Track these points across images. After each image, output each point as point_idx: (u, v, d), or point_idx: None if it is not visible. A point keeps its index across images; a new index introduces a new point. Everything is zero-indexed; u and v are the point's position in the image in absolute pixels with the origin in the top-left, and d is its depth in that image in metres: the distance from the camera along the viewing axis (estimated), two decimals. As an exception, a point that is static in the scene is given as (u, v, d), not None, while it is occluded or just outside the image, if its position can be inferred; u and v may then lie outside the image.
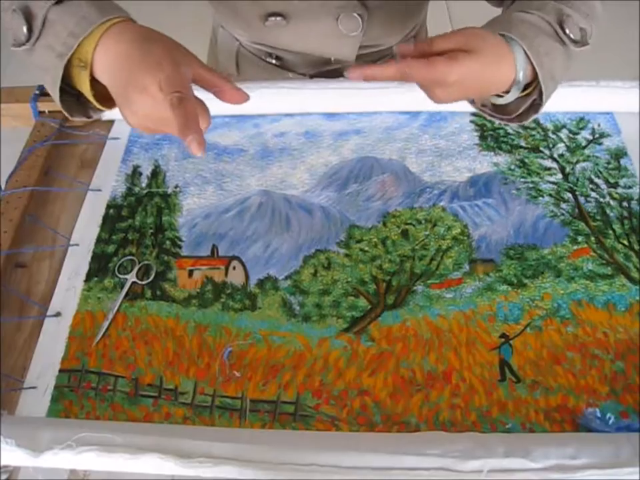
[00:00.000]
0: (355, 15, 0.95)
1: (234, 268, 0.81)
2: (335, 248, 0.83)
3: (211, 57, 1.26)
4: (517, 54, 0.68)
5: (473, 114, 0.95)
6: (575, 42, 0.72)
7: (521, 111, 0.75)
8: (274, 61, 1.09)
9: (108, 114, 0.96)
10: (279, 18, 0.96)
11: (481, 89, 0.70)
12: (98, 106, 0.71)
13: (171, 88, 0.63)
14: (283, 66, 1.10)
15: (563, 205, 0.85)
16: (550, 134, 0.92)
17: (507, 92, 0.72)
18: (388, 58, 1.12)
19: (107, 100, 0.69)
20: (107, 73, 0.67)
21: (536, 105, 0.74)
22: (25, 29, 0.68)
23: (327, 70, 1.08)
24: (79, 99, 0.72)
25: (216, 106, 0.97)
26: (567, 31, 0.72)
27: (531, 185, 0.87)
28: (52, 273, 0.81)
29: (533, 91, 0.72)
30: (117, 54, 0.66)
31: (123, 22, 0.68)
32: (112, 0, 0.72)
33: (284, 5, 0.96)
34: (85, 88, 0.68)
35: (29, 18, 0.68)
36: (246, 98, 0.71)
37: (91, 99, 0.69)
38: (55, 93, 0.68)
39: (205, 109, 0.68)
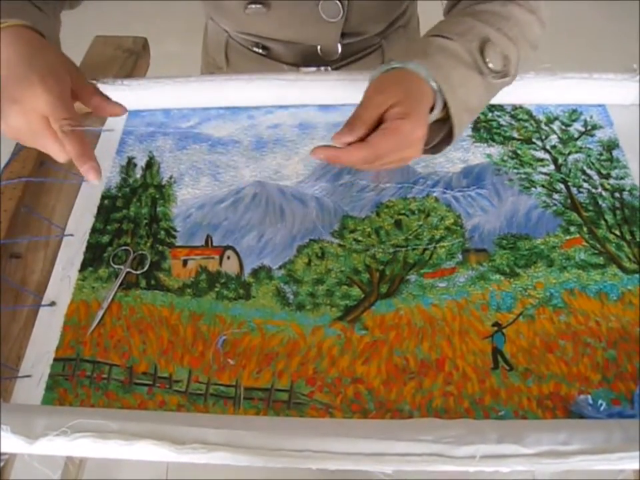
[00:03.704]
0: (336, 0, 0.96)
1: (228, 257, 0.82)
2: (328, 238, 0.83)
3: (204, 50, 1.26)
4: (433, 85, 0.69)
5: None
6: (494, 72, 0.72)
7: (435, 142, 0.75)
8: (261, 51, 1.09)
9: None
10: (259, 5, 0.96)
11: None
12: None
13: (60, 114, 0.64)
14: (269, 56, 1.10)
15: (556, 196, 0.85)
16: (542, 126, 0.93)
17: None
18: (375, 48, 1.13)
19: None
20: None
21: (448, 137, 0.74)
22: None
23: (314, 59, 1.08)
24: None
25: (211, 98, 0.98)
26: (487, 61, 0.72)
27: (523, 176, 0.88)
28: (47, 263, 0.81)
29: (447, 121, 0.72)
30: (7, 52, 0.67)
31: (16, 27, 0.69)
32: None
33: None
34: None
35: None
36: (124, 110, 0.73)
37: None
38: None
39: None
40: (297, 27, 1.03)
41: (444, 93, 0.69)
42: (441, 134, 0.74)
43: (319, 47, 1.07)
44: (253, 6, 0.98)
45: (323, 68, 1.08)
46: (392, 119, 0.66)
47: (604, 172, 0.87)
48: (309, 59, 1.09)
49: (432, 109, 0.70)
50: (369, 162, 0.67)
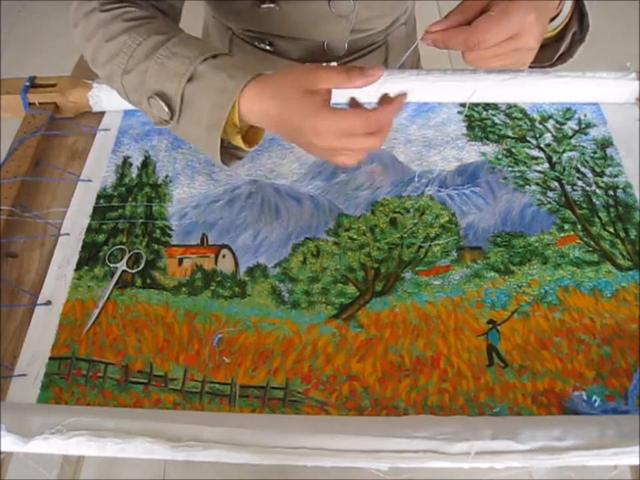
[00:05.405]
0: None
1: (224, 256, 0.82)
2: (324, 236, 0.83)
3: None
4: None
5: (461, 104, 0.96)
6: None
7: (563, 49, 0.77)
8: (267, 47, 1.10)
9: (97, 105, 0.97)
10: (271, 5, 0.97)
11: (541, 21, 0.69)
12: (248, 150, 0.75)
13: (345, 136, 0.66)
14: (275, 52, 1.10)
15: (550, 194, 0.85)
16: (537, 124, 0.93)
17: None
18: (379, 44, 1.13)
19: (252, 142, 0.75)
20: (264, 125, 0.71)
21: (577, 40, 0.76)
22: (166, 110, 0.71)
23: (320, 55, 1.08)
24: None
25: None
26: None
27: (518, 174, 0.88)
28: (42, 262, 0.81)
29: (569, 24, 0.74)
30: (263, 112, 0.68)
31: (253, 80, 0.69)
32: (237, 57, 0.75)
33: None
34: (239, 143, 0.73)
35: (166, 100, 0.71)
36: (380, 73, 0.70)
37: (246, 148, 0.74)
38: (216, 159, 0.72)
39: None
40: (308, 24, 1.03)
41: None
42: (566, 40, 0.75)
43: (325, 43, 1.07)
44: (266, 5, 0.98)
45: (326, 64, 1.08)
46: (497, 2, 0.66)
47: (598, 170, 0.87)
48: (314, 55, 1.09)
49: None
50: (471, 47, 0.67)
